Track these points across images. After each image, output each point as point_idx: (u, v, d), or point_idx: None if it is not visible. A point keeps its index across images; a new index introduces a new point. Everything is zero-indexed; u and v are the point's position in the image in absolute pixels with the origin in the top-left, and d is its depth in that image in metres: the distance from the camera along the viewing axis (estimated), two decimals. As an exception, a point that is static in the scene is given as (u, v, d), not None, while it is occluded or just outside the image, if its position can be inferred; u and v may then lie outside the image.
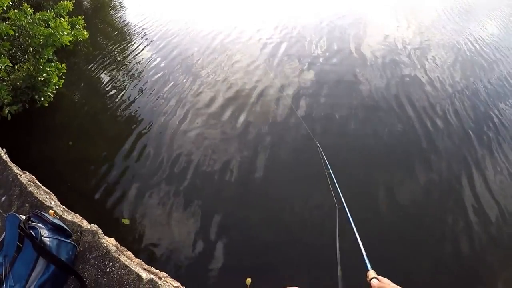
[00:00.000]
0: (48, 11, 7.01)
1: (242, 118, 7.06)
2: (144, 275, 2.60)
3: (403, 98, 7.93)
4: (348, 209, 2.48)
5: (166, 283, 2.65)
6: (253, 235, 4.92)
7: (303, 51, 9.87)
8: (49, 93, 6.47)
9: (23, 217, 2.55)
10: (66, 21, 6.95)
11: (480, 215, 5.56)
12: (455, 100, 8.13)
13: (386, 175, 6.05)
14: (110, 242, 2.89)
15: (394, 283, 1.43)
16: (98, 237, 2.83)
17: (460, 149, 6.73)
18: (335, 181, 3.46)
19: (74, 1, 7.99)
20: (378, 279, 1.47)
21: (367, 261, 1.72)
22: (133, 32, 10.90)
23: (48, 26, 6.63)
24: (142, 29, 11.09)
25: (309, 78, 8.48)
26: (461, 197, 5.81)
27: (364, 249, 1.88)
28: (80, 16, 7.88)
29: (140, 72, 8.64)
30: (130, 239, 4.68)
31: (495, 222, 5.51)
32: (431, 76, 8.99)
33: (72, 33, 7.19)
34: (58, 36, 6.57)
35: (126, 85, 8.05)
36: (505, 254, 5.06)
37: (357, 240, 1.99)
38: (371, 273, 1.56)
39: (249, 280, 4.22)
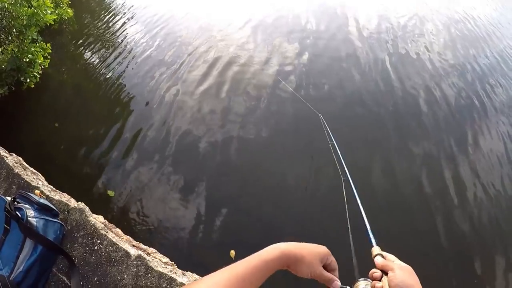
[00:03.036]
0: (31, -11, 6.88)
1: (239, 90, 7.10)
2: (133, 251, 2.62)
3: (401, 72, 7.96)
4: (353, 181, 2.47)
5: (155, 259, 2.67)
6: (249, 208, 4.98)
7: (294, 25, 9.77)
8: (35, 73, 6.35)
9: (9, 198, 2.54)
10: (49, -1, 6.84)
11: (478, 187, 5.67)
12: (457, 73, 8.21)
13: (386, 148, 6.14)
14: (98, 220, 2.90)
15: (400, 259, 1.34)
16: (85, 215, 2.83)
17: (457, 121, 6.83)
18: (339, 152, 3.48)
19: (57, -21, 7.86)
20: (382, 256, 1.39)
21: (371, 236, 1.63)
22: (120, 9, 10.66)
23: (31, 6, 6.49)
24: (129, 6, 10.86)
25: (301, 52, 8.42)
26: (458, 169, 5.91)
27: (369, 223, 1.83)
28: (63, -7, 7.76)
29: (127, 49, 8.49)
30: (120, 216, 4.70)
31: (495, 192, 5.63)
32: (426, 51, 9.01)
33: (56, 11, 7.09)
34: (41, 15, 6.45)
35: (113, 63, 7.92)
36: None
37: (362, 214, 1.96)
38: (376, 249, 1.46)
39: (232, 252, 4.28)
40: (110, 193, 4.99)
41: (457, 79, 8.03)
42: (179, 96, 6.87)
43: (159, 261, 2.67)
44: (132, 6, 10.80)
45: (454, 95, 7.44)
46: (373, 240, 1.59)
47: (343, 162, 3.06)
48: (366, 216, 1.89)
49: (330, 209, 4.86)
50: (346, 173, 2.78)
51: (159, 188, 5.13)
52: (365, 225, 1.79)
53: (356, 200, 2.11)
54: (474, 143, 6.42)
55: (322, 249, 1.27)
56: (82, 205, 2.96)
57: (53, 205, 2.80)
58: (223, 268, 1.04)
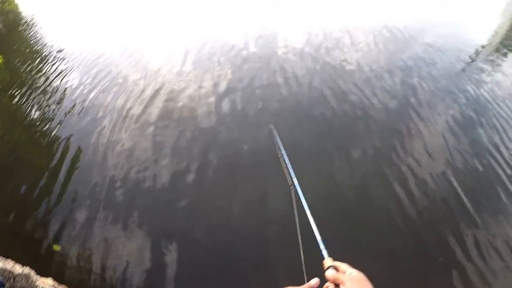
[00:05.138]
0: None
1: (179, 122, 7.09)
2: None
3: (337, 81, 8.34)
4: (302, 191, 2.49)
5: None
6: (201, 240, 4.93)
7: (227, 50, 9.96)
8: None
9: None
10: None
11: (419, 182, 5.99)
12: (385, 76, 8.67)
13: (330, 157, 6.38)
14: (46, 283, 2.82)
15: (353, 266, 1.37)
16: (32, 280, 2.75)
17: (393, 122, 7.23)
18: (287, 161, 3.54)
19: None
20: (335, 267, 1.40)
21: (322, 247, 1.63)
22: (53, 53, 10.40)
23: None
24: (62, 48, 10.62)
25: (237, 75, 8.58)
26: (400, 168, 6.22)
27: (320, 233, 1.80)
28: (-10, 42, 7.53)
29: (64, 95, 8.23)
30: (70, 274, 4.50)
31: (433, 187, 5.95)
32: (357, 58, 9.45)
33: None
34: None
35: (51, 110, 7.64)
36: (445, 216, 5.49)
37: (312, 224, 1.95)
38: (327, 262, 1.46)
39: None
40: (56, 247, 4.73)
41: (386, 82, 8.48)
42: (118, 137, 6.74)
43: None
44: (64, 49, 10.59)
45: (387, 97, 7.85)
46: (324, 252, 1.59)
47: (292, 173, 3.12)
48: (318, 226, 1.92)
49: (283, 225, 4.98)
50: (294, 182, 2.85)
51: (106, 235, 4.94)
52: (316, 237, 1.82)
53: (306, 213, 2.14)
54: (411, 141, 6.80)
55: None
56: (27, 269, 2.88)
57: (-4, 274, 2.71)
58: None
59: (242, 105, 7.53)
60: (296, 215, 2.54)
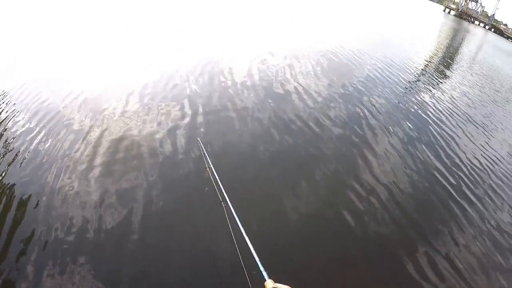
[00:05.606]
0: None
1: (120, 164, 7.21)
2: None
3: (280, 106, 8.59)
4: (234, 207, 2.58)
5: None
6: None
7: (177, 88, 10.26)
8: None
9: None
10: None
11: (364, 198, 6.24)
12: (327, 103, 8.97)
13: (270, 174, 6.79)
14: None
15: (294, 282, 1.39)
16: None
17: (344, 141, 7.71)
18: (217, 177, 3.70)
19: None
20: None
21: (262, 268, 1.70)
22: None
23: None
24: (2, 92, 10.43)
25: (175, 110, 8.75)
26: (345, 190, 6.47)
27: (258, 253, 1.85)
28: None
29: (7, 143, 7.92)
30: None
31: (380, 204, 6.22)
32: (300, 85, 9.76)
33: None
34: None
35: None
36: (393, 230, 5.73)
37: (249, 243, 2.01)
38: (268, 284, 1.50)
39: None
40: None
41: (333, 106, 8.84)
42: (63, 183, 6.70)
43: None
44: (8, 93, 10.38)
45: (333, 122, 8.18)
46: (264, 274, 1.66)
47: (222, 189, 3.26)
48: (255, 246, 1.98)
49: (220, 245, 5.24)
50: (226, 199, 2.97)
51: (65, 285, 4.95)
52: (254, 258, 1.87)
53: (241, 231, 2.22)
54: (357, 162, 7.11)
55: None
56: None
57: None
58: None
59: (182, 142, 7.71)
60: (233, 235, 2.68)
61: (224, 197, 3.21)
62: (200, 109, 8.89)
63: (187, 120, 8.46)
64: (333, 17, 19.13)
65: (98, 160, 7.27)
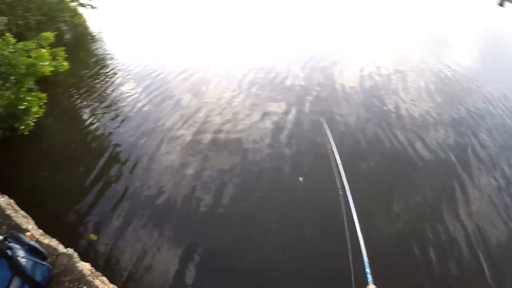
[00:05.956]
0: (30, 41, 7.08)
1: (222, 149, 7.25)
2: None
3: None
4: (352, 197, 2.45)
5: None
6: (239, 253, 5.01)
7: (287, 85, 10.16)
8: (29, 121, 6.47)
9: (0, 237, 2.56)
10: (47, 51, 7.03)
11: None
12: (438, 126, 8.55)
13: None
14: (85, 267, 2.90)
15: None
16: (73, 261, 2.84)
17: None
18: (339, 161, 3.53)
19: (55, 33, 8.10)
20: None
21: (368, 270, 1.59)
22: (114, 65, 10.94)
23: (30, 56, 6.67)
24: (123, 62, 11.13)
25: (284, 106, 8.70)
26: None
27: (367, 252, 1.74)
28: (61, 48, 7.97)
29: (120, 105, 8.70)
30: (108, 265, 4.64)
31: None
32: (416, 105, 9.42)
33: (53, 63, 7.24)
34: (39, 66, 6.62)
35: (106, 117, 8.07)
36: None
37: (360, 238, 1.89)
38: None
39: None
40: (93, 236, 5.01)
41: (439, 132, 8.36)
42: (171, 156, 6.96)
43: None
44: (127, 62, 11.09)
45: (439, 148, 7.75)
46: (369, 277, 1.54)
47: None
48: (366, 243, 1.85)
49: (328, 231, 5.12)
50: (345, 186, 2.81)
51: (139, 236, 5.16)
52: (363, 256, 1.74)
53: (355, 224, 2.09)
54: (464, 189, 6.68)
55: None
56: (71, 251, 2.97)
57: (42, 248, 2.81)
58: None
59: (296, 139, 7.63)
60: (346, 224, 2.51)
61: (343, 184, 3.03)
62: (310, 116, 8.74)
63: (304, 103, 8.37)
64: (443, 25, 17.94)
65: (200, 137, 7.51)
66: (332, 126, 7.27)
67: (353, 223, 2.22)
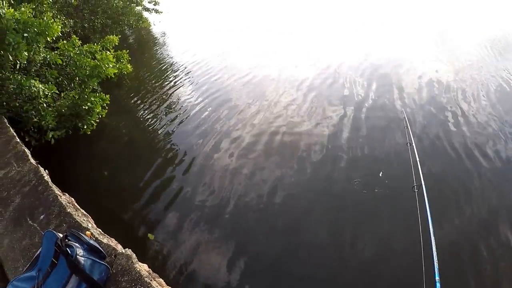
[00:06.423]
0: (95, 44, 7.31)
1: (290, 155, 7.06)
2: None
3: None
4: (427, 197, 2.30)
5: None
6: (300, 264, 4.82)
7: (346, 92, 9.88)
8: (92, 121, 6.66)
9: (61, 235, 2.56)
10: (111, 54, 7.21)
11: None
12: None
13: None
14: (143, 268, 2.85)
15: None
16: (132, 261, 2.80)
17: None
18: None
19: (120, 36, 8.32)
20: None
21: (437, 278, 1.48)
22: (175, 68, 11.19)
23: (95, 58, 6.88)
24: (184, 66, 11.37)
25: (351, 119, 8.43)
26: None
27: (438, 259, 1.63)
28: (125, 50, 8.18)
29: (179, 107, 8.82)
30: (164, 266, 4.64)
31: None
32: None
33: (117, 66, 7.42)
34: (103, 68, 6.79)
35: (165, 119, 8.23)
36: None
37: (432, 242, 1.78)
38: None
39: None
40: (150, 236, 5.03)
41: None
42: (226, 158, 6.92)
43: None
44: (188, 66, 11.29)
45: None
46: (438, 284, 1.40)
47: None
48: (438, 249, 1.70)
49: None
50: (422, 184, 2.61)
51: (208, 243, 5.07)
52: (433, 259, 1.61)
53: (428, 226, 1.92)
54: None
55: None
56: (129, 251, 2.94)
57: (101, 247, 2.79)
58: None
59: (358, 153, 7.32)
60: (420, 227, 2.32)
61: (420, 181, 2.81)
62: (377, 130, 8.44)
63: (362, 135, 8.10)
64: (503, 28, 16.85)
65: (256, 139, 7.42)
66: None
67: (427, 225, 2.04)
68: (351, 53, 12.71)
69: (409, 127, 4.33)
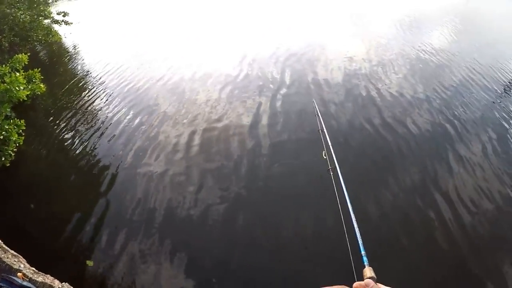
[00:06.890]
0: (3, 65, 6.84)
1: (214, 149, 7.30)
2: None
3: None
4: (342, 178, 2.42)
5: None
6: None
7: (266, 81, 10.10)
8: (9, 151, 6.19)
9: (-9, 283, 2.41)
10: (22, 75, 6.80)
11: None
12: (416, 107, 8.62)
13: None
14: (84, 300, 2.76)
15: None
16: (71, 296, 2.70)
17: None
18: (330, 142, 3.47)
19: (29, 54, 7.86)
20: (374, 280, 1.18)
21: (363, 253, 1.53)
22: (89, 81, 10.84)
23: (4, 82, 6.44)
24: (98, 76, 11.06)
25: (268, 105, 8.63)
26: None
27: (361, 234, 1.69)
28: (36, 69, 7.72)
29: (98, 120, 8.59)
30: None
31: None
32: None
33: (29, 87, 7.02)
34: (14, 91, 6.38)
35: (85, 134, 7.98)
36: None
37: (353, 219, 1.85)
38: (367, 272, 1.30)
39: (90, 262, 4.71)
40: (89, 262, 4.87)
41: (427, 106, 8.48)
42: (149, 165, 6.91)
43: None
44: (104, 76, 10.98)
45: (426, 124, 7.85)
46: (365, 259, 1.46)
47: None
48: (359, 224, 1.80)
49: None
50: (336, 167, 2.75)
51: (147, 261, 5.02)
52: (357, 238, 1.70)
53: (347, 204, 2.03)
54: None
55: None
56: (66, 285, 2.83)
57: (36, 287, 2.66)
58: None
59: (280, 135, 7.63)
60: (339, 207, 2.43)
61: (334, 164, 2.95)
62: (293, 110, 8.70)
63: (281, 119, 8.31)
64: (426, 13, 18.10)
65: (177, 141, 7.55)
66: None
67: (346, 203, 2.16)
68: (264, 44, 13.02)
69: (319, 114, 4.55)
